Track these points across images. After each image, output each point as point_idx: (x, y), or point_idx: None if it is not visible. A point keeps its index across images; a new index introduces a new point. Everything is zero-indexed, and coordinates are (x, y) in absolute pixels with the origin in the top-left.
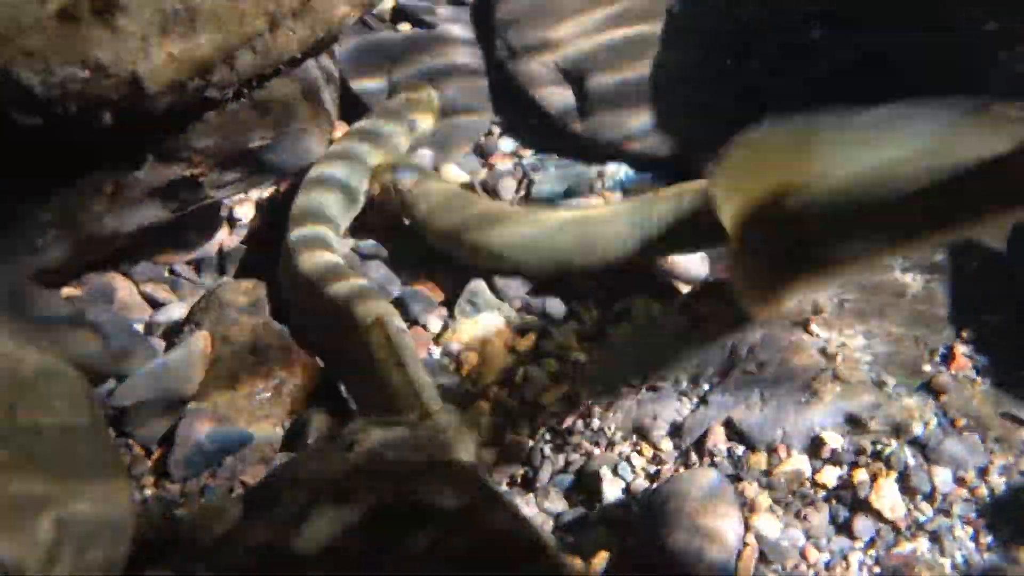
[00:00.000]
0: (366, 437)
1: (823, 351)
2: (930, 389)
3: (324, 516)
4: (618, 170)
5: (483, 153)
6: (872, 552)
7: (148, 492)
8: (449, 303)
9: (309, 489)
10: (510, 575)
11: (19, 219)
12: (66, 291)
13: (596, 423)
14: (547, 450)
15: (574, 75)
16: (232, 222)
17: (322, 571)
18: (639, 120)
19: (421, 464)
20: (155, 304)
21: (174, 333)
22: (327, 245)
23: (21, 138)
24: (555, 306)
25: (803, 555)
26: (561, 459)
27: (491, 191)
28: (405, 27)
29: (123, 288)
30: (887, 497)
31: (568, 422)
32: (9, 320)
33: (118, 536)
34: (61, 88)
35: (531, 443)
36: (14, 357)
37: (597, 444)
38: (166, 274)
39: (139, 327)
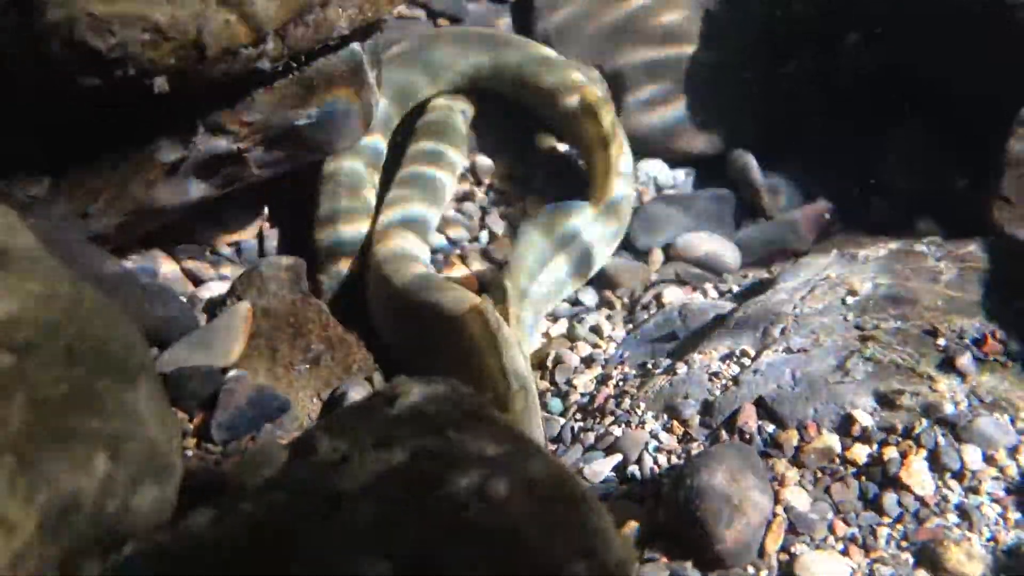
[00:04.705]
0: (407, 393)
1: (858, 332)
2: (961, 371)
3: (366, 458)
4: (653, 167)
5: None
6: (900, 527)
7: (190, 454)
8: (483, 290)
9: (352, 436)
10: (550, 518)
11: (72, 184)
12: None
13: (627, 402)
14: (577, 428)
15: (610, 73)
16: (272, 202)
17: (363, 509)
18: (675, 118)
19: (462, 417)
20: (197, 281)
21: (216, 306)
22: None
23: (78, 103)
24: (587, 294)
25: (832, 528)
26: (592, 437)
27: None
28: (443, 23)
29: (166, 264)
30: (917, 474)
31: (599, 401)
32: (67, 267)
33: (168, 477)
34: (122, 50)
35: (562, 421)
36: (73, 299)
37: (628, 423)
38: (208, 253)
39: (183, 299)
